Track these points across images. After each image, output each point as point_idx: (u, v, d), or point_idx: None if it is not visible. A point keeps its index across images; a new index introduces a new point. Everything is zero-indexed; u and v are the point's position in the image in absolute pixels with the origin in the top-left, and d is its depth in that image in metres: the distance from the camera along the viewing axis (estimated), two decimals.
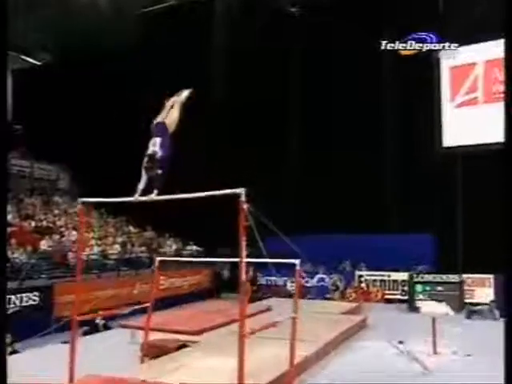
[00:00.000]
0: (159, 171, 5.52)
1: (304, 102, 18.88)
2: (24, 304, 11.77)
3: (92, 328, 10.36)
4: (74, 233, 15.76)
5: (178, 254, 17.51)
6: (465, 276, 13.68)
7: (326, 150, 17.51)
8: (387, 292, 15.55)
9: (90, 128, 19.96)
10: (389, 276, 15.82)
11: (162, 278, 15.53)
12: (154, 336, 8.55)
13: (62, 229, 15.86)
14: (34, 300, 12.02)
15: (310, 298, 15.65)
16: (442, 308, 8.45)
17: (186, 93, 6.22)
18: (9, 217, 15.06)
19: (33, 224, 15.29)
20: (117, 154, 19.72)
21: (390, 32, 14.98)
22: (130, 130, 19.57)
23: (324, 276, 16.06)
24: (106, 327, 10.47)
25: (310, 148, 17.73)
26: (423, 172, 16.99)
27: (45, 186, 19.25)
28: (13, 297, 11.59)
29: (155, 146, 5.60)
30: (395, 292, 15.47)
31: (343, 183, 17.13)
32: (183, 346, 8.43)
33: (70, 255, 14.01)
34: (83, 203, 6.90)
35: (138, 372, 6.97)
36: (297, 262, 7.09)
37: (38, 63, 22.80)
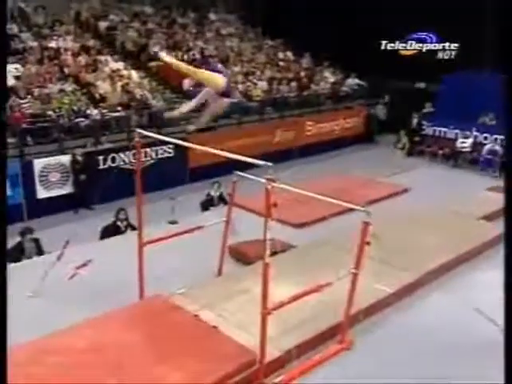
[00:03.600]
0: None
1: None
2: (160, 156, 11.94)
3: (207, 200, 9.87)
4: (220, 66, 14.68)
5: (335, 89, 15.40)
6: None
7: None
8: None
9: None
10: None
11: (308, 123, 14.16)
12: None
13: (210, 60, 14.84)
14: (169, 152, 12.08)
15: (483, 161, 12.73)
16: None
17: None
18: (156, 48, 14.55)
19: (179, 55, 14.53)
20: None
21: None
22: None
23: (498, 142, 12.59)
24: (222, 199, 9.85)
25: None
26: None
27: None
28: (148, 149, 11.76)
29: None
30: None
31: None
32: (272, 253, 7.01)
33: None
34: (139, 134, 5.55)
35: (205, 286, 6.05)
36: None
37: None
